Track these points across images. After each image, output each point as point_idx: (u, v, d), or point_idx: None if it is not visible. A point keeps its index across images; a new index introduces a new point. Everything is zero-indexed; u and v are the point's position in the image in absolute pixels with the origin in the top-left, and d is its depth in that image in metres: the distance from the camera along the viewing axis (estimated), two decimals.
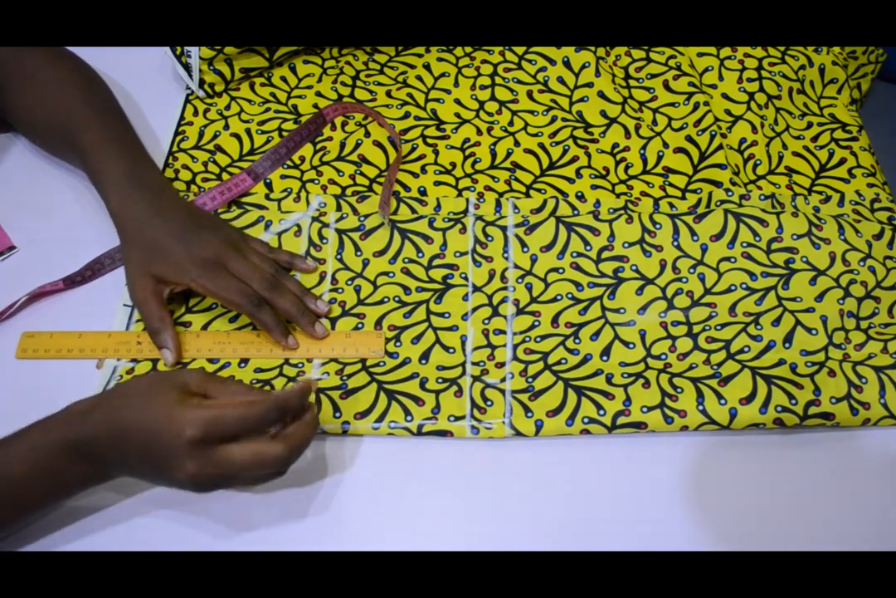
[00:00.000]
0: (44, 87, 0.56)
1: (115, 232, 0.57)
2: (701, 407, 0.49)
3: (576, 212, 0.58)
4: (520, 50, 0.66)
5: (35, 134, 0.60)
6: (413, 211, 0.59)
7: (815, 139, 0.64)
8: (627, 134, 0.62)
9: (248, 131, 0.63)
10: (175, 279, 0.50)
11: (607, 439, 0.50)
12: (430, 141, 0.63)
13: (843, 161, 0.63)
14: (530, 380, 0.51)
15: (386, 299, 0.55)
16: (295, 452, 0.42)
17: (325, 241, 0.57)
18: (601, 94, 0.64)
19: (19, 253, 0.57)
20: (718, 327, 0.53)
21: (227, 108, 0.64)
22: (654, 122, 0.63)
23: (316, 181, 0.60)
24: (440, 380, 0.51)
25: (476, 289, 0.55)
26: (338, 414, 0.49)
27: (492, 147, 0.62)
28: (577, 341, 0.53)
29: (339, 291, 0.55)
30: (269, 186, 0.60)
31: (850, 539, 0.46)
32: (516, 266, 0.56)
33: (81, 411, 0.42)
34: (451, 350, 0.52)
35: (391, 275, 0.56)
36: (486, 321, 0.54)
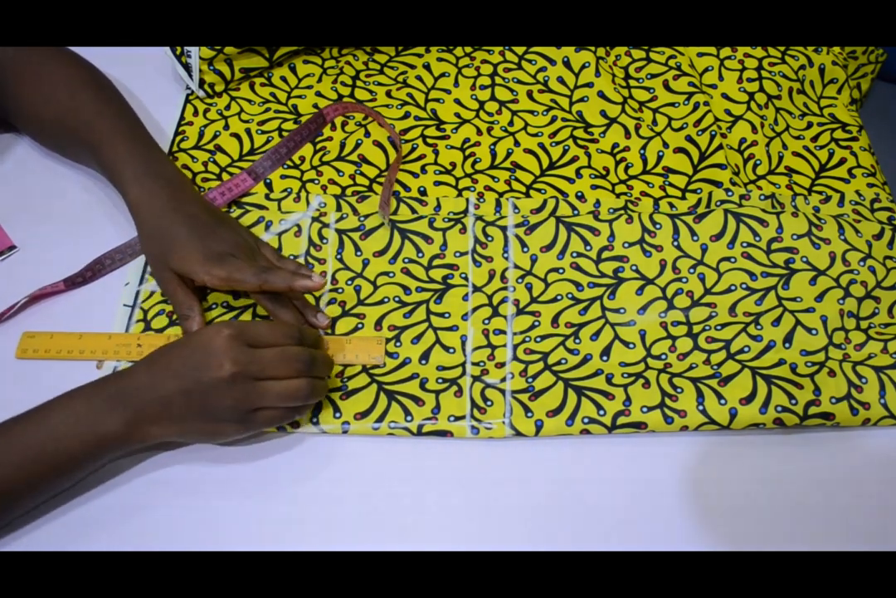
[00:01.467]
0: (49, 84, 0.56)
1: (115, 232, 0.57)
2: (701, 407, 0.49)
3: (576, 212, 0.58)
4: (520, 50, 0.66)
5: (41, 132, 0.60)
6: (413, 211, 0.59)
7: (815, 139, 0.64)
8: (627, 134, 0.62)
9: (248, 131, 0.63)
10: (189, 274, 0.50)
11: (607, 439, 0.50)
12: (430, 141, 0.63)
13: (843, 161, 0.63)
14: (530, 380, 0.51)
15: (386, 299, 0.55)
16: (317, 358, 0.46)
17: (325, 241, 0.57)
18: (601, 95, 0.64)
19: (19, 253, 0.57)
20: (718, 327, 0.53)
21: (227, 108, 0.64)
22: (654, 122, 0.63)
23: (316, 181, 0.60)
24: (440, 380, 0.51)
25: (476, 289, 0.55)
26: (338, 414, 0.49)
27: (492, 147, 0.62)
28: (577, 341, 0.53)
29: (339, 291, 0.55)
30: (269, 186, 0.60)
31: (850, 539, 0.47)
32: (516, 266, 0.56)
33: (119, 371, 0.46)
34: (451, 350, 0.52)
35: (391, 275, 0.56)
36: (486, 321, 0.54)
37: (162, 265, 0.51)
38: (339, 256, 0.56)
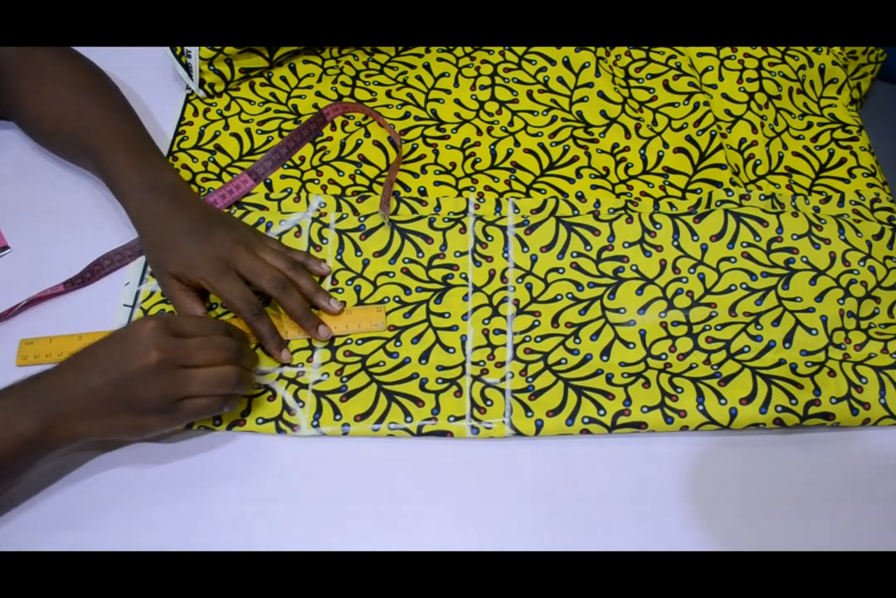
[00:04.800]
0: (52, 84, 0.56)
1: (114, 233, 0.57)
2: (701, 407, 0.49)
3: (576, 212, 0.58)
4: (520, 50, 0.66)
5: (40, 132, 0.60)
6: (413, 211, 0.59)
7: (815, 139, 0.64)
8: (627, 134, 0.62)
9: (248, 131, 0.63)
10: (187, 277, 0.50)
11: (607, 439, 0.50)
12: (430, 141, 0.63)
13: (843, 161, 0.63)
14: (530, 380, 0.51)
15: (386, 299, 0.55)
16: (244, 348, 0.47)
17: (325, 241, 0.57)
18: (601, 94, 0.64)
19: (17, 253, 0.57)
20: (718, 327, 0.53)
21: (227, 108, 0.64)
22: (654, 122, 0.63)
23: (316, 181, 0.60)
24: (440, 380, 0.51)
25: (476, 289, 0.55)
26: (338, 416, 0.49)
27: (492, 147, 0.62)
28: (577, 340, 0.53)
29: (340, 291, 0.55)
30: (269, 186, 0.60)
31: (850, 539, 0.46)
32: (516, 266, 0.56)
33: (43, 371, 0.44)
34: (451, 350, 0.52)
35: (391, 275, 0.56)
36: (486, 321, 0.54)
37: (163, 271, 0.51)
38: (339, 257, 0.56)
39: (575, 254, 0.56)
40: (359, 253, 0.57)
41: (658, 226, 0.57)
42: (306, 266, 0.54)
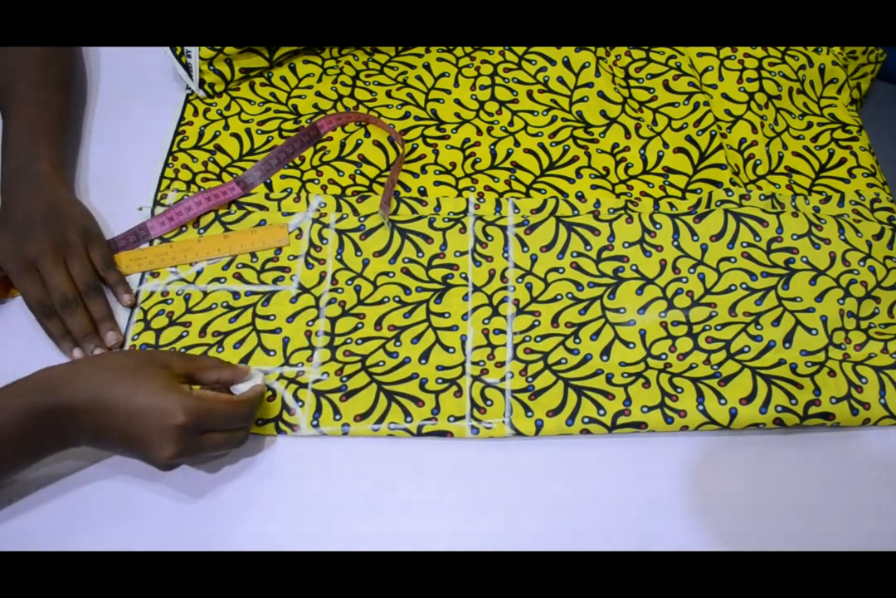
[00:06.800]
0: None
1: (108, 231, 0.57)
2: (701, 407, 0.49)
3: (576, 212, 0.58)
4: (520, 50, 0.66)
5: None
6: (413, 211, 0.59)
7: (815, 139, 0.64)
8: (627, 134, 0.62)
9: (248, 131, 0.63)
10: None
11: (607, 439, 0.50)
12: (430, 141, 0.63)
13: (843, 161, 0.63)
14: (530, 380, 0.51)
15: (386, 299, 0.55)
16: (247, 430, 0.48)
17: (325, 241, 0.57)
18: (601, 94, 0.64)
19: None
20: (718, 327, 0.53)
21: (227, 108, 0.64)
22: (654, 122, 0.63)
23: (316, 181, 0.60)
24: (440, 380, 0.51)
25: (476, 289, 0.55)
26: (338, 416, 0.49)
27: (492, 147, 0.62)
28: (577, 340, 0.53)
29: (339, 291, 0.55)
30: (269, 185, 0.60)
31: (850, 539, 0.46)
32: (516, 266, 0.56)
33: (58, 378, 0.42)
34: (451, 350, 0.52)
35: (391, 275, 0.56)
36: (486, 321, 0.54)
37: None
38: (339, 257, 0.56)
39: (575, 254, 0.56)
40: (359, 253, 0.57)
41: (658, 226, 0.57)
42: (113, 290, 0.54)
